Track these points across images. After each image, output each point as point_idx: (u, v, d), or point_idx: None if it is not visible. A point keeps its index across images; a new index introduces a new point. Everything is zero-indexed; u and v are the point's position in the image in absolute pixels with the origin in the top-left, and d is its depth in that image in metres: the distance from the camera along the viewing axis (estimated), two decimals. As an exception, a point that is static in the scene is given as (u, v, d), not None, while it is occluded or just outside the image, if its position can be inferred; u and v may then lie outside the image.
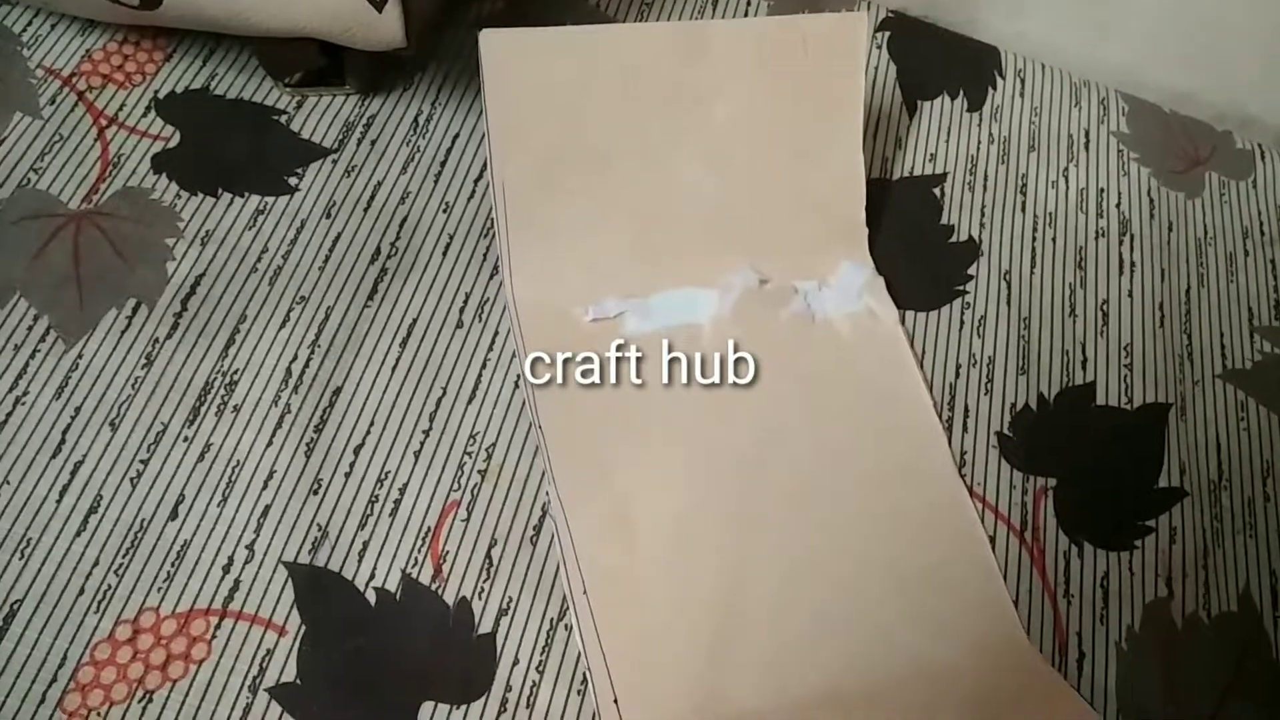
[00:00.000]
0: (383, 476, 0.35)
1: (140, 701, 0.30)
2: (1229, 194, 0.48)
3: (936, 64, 0.49)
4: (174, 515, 0.33)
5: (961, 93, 0.49)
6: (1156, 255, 0.45)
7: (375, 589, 0.33)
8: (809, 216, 0.42)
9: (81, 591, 0.32)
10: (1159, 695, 0.35)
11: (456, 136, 0.43)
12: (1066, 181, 0.47)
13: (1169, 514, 0.39)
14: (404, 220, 0.40)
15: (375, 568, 0.33)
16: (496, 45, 0.37)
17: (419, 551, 0.34)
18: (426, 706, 0.31)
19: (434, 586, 0.33)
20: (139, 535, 0.33)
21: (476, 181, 0.42)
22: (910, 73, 0.49)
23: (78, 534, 0.32)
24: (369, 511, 0.34)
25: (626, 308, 0.39)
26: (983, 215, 0.45)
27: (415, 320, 0.38)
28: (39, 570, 0.32)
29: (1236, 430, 0.42)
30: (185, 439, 0.35)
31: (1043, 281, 0.44)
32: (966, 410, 0.40)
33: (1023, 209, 0.45)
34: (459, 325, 0.38)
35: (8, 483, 0.33)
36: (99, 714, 0.30)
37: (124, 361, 0.35)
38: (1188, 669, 0.36)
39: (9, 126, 0.39)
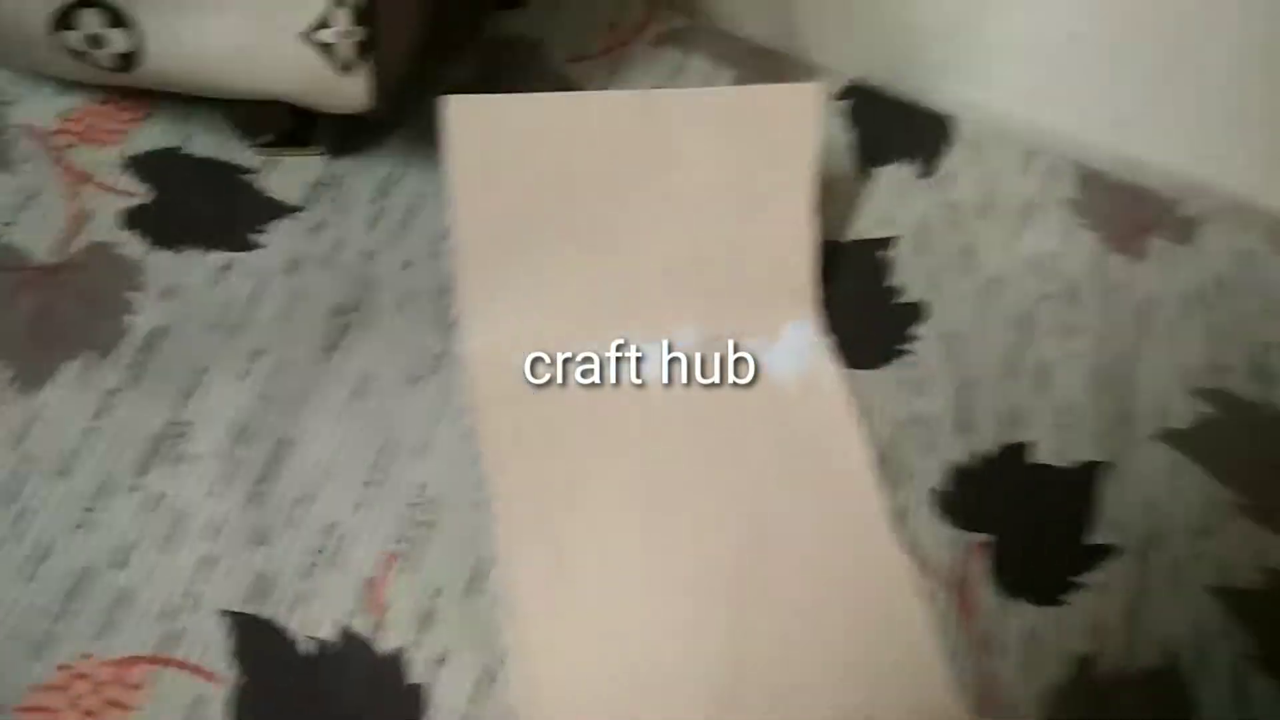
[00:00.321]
0: (327, 528, 0.36)
1: (75, 746, 0.31)
2: (1173, 260, 0.50)
3: (892, 131, 0.51)
4: (118, 563, 0.34)
5: (914, 159, 0.50)
6: (1099, 319, 0.47)
7: (312, 639, 0.34)
8: (759, 277, 0.43)
9: (22, 637, 0.32)
10: (1087, 752, 0.36)
11: (422, 196, 0.44)
12: (1014, 246, 0.48)
13: (1099, 570, 0.39)
14: (366, 277, 0.42)
15: (314, 617, 0.34)
16: (460, 112, 0.39)
17: (358, 602, 0.35)
18: (357, 755, 0.32)
19: (371, 636, 0.34)
20: (83, 582, 0.34)
21: (439, 241, 0.43)
22: (866, 139, 0.50)
23: (22, 580, 0.33)
24: (311, 562, 0.35)
25: (579, 361, 0.40)
26: (930, 278, 0.46)
27: (370, 374, 0.39)
28: (-17, 615, 0.33)
29: (1170, 489, 0.42)
30: (134, 489, 0.36)
31: (985, 342, 0.45)
32: (904, 468, 0.41)
33: (969, 272, 0.47)
34: (414, 380, 0.39)
35: (-40, 528, 0.34)
36: (35, 758, 0.31)
37: (79, 411, 0.37)
38: (1115, 725, 0.37)
39: (-16, 183, 0.41)
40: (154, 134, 0.44)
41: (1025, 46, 0.52)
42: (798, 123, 0.43)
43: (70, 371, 0.37)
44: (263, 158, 0.44)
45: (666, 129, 0.41)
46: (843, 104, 0.51)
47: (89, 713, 0.32)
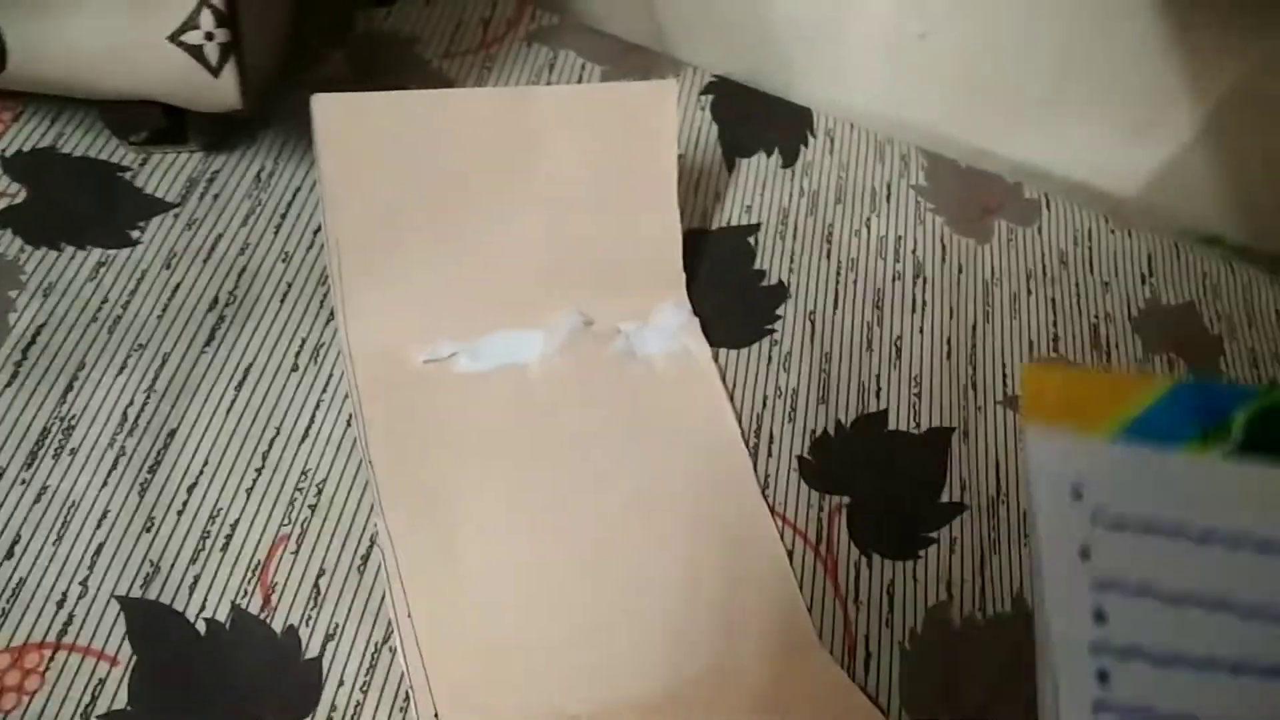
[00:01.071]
0: (215, 513, 0.37)
1: (-31, 734, 0.32)
2: (1016, 239, 0.54)
3: (755, 124, 0.54)
4: (9, 555, 0.35)
5: (776, 150, 0.53)
6: (947, 295, 0.51)
7: (205, 619, 0.35)
8: (631, 263, 0.46)
9: (-88, 631, 0.33)
10: (938, 691, 0.39)
11: (298, 190, 0.45)
12: (868, 230, 0.52)
13: (950, 526, 0.43)
14: (243, 270, 0.43)
15: (206, 599, 0.35)
16: (329, 109, 0.40)
17: (249, 583, 0.36)
18: (253, 727, 0.33)
19: (263, 616, 0.35)
20: (-28, 575, 0.34)
21: (315, 233, 0.44)
22: (730, 132, 0.53)
23: (-91, 576, 0.34)
24: (200, 547, 0.36)
25: (458, 349, 0.42)
26: (792, 261, 0.49)
27: (251, 365, 0.40)
28: None
29: (1014, 451, 0.46)
30: (23, 482, 0.36)
31: (843, 320, 0.48)
32: (771, 437, 0.44)
33: (828, 255, 0.50)
34: (294, 369, 0.41)
35: None
36: (-74, 748, 0.31)
37: (-40, 409, 0.37)
38: (964, 666, 0.40)
39: None
40: (26, 134, 0.44)
41: (879, 45, 0.55)
42: (657, 117, 0.45)
43: (-53, 370, 0.38)
44: (137, 155, 0.44)
45: (532, 124, 0.43)
46: (706, 99, 0.54)
47: (-17, 699, 0.32)
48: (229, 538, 0.36)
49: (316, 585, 0.36)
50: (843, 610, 0.40)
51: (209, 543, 0.36)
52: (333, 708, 0.34)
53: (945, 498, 0.44)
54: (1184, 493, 0.27)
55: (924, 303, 0.50)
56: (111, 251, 0.42)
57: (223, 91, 0.40)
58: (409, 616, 0.36)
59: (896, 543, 0.42)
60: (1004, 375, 0.49)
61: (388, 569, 0.36)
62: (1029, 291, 0.52)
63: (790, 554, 0.41)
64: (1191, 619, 0.26)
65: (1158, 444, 0.27)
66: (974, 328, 0.50)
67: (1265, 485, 0.27)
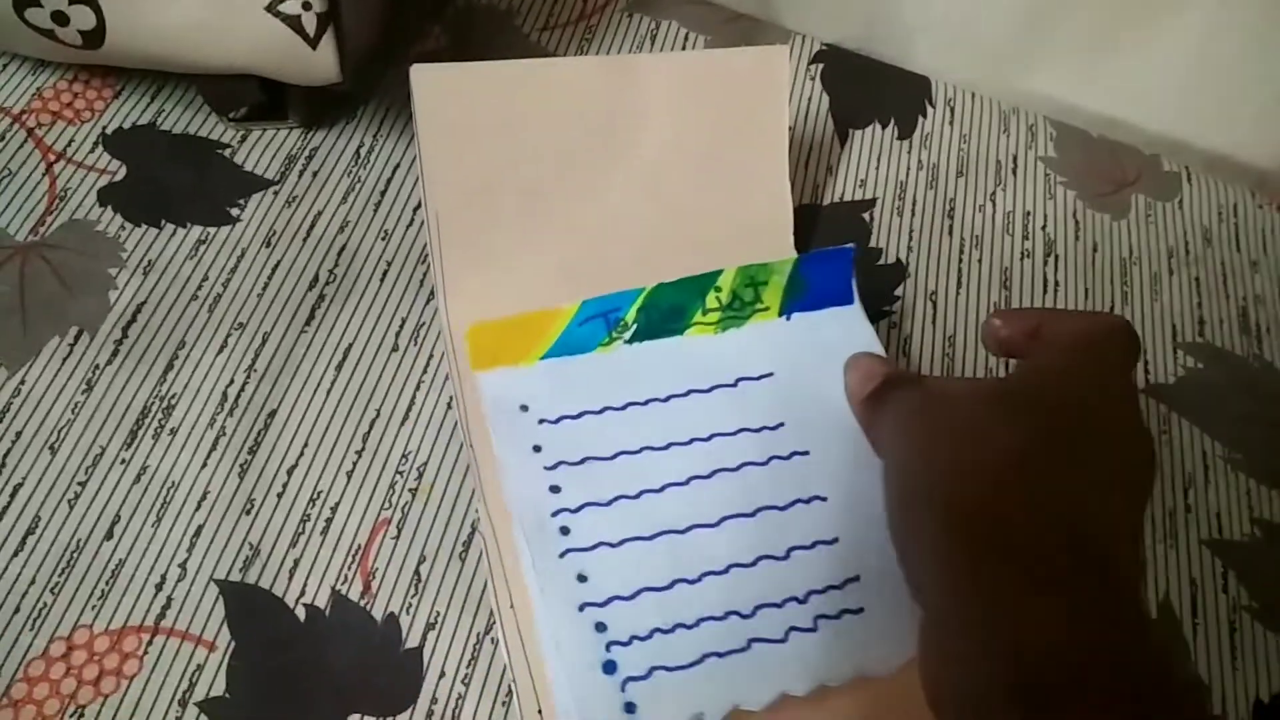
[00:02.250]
0: (315, 496, 0.36)
1: (72, 716, 0.31)
2: (1155, 215, 0.50)
3: (868, 94, 0.51)
4: (109, 535, 0.34)
5: (892, 121, 0.50)
6: (1081, 275, 0.47)
7: (305, 605, 0.34)
8: (737, 241, 0.43)
9: (17, 610, 0.32)
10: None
11: (397, 167, 0.44)
12: (994, 205, 0.48)
13: (1087, 524, 0.40)
14: (343, 248, 0.41)
15: (305, 585, 0.34)
16: (428, 80, 0.38)
17: (349, 569, 0.35)
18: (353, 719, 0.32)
19: (363, 603, 0.34)
20: (75, 555, 0.34)
21: (415, 210, 0.43)
22: (842, 102, 0.50)
23: (15, 554, 0.33)
24: (300, 530, 0.35)
25: None
26: (910, 238, 0.46)
27: (351, 344, 0.39)
28: (-25, 590, 0.33)
29: (1159, 443, 0.43)
30: (123, 461, 0.36)
31: (968, 301, 0.45)
32: (891, 426, 0.41)
33: (950, 232, 0.47)
34: (394, 349, 0.39)
35: (-53, 506, 0.34)
36: (30, 730, 0.31)
37: (65, 387, 0.36)
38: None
39: (-41, 162, 0.41)
40: (126, 111, 0.43)
41: (1002, 6, 0.52)
42: (767, 86, 0.43)
43: (54, 348, 0.37)
44: (236, 132, 0.44)
45: (635, 94, 0.41)
46: (816, 68, 0.51)
47: (89, 682, 0.32)
48: (329, 521, 0.35)
49: (417, 572, 0.35)
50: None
51: (309, 526, 0.35)
52: (433, 700, 0.33)
53: (1082, 493, 0.41)
54: (601, 380, 0.37)
55: (1056, 283, 0.46)
56: (211, 229, 0.41)
57: (320, 63, 0.39)
58: (511, 607, 0.34)
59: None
60: (1145, 361, 0.45)
61: (489, 558, 0.35)
62: (1170, 271, 0.48)
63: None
64: (625, 468, 0.35)
65: (579, 353, 0.38)
66: (1111, 310, 0.46)
67: (656, 354, 0.37)
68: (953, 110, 0.51)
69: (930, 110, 0.51)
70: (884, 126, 0.50)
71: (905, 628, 0.28)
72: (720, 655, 0.32)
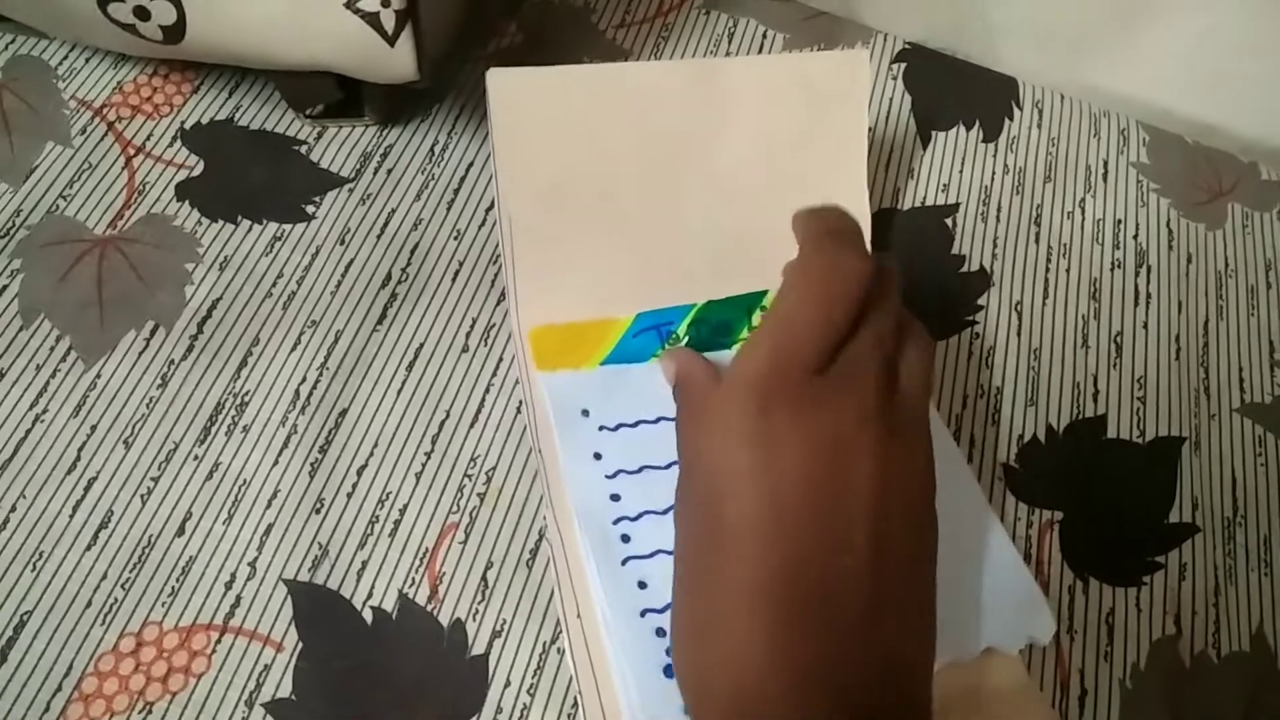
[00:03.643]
0: (384, 497, 0.35)
1: (140, 713, 0.31)
2: (1252, 226, 0.48)
3: (952, 95, 0.49)
4: (181, 532, 0.34)
5: (977, 123, 0.49)
6: (1174, 287, 0.45)
7: (372, 608, 0.33)
8: None
9: (89, 604, 0.33)
10: (1165, 735, 0.35)
11: (471, 165, 0.44)
12: (1083, 212, 0.46)
13: (1179, 550, 0.38)
14: (415, 247, 0.41)
15: (373, 587, 0.34)
16: (503, 84, 0.38)
17: (416, 572, 0.34)
18: (417, 726, 0.32)
19: (430, 607, 0.34)
20: (146, 551, 0.34)
21: (488, 210, 0.43)
22: (925, 103, 0.49)
23: (88, 548, 0.33)
24: (369, 531, 0.35)
25: None
26: (995, 246, 0.45)
27: (422, 345, 0.39)
28: (49, 583, 0.33)
29: (1254, 465, 0.41)
30: (195, 457, 0.36)
31: (1055, 313, 0.43)
32: (972, 441, 0.39)
33: (1036, 240, 0.45)
34: (465, 350, 0.39)
35: (24, 497, 0.34)
36: (100, 724, 0.31)
37: (140, 382, 0.37)
38: (1194, 709, 0.35)
39: (42, 155, 0.41)
40: (205, 106, 0.44)
41: (1092, 5, 0.50)
42: (848, 88, 0.41)
43: (130, 342, 0.37)
44: (313, 128, 0.43)
45: (712, 98, 0.40)
46: (898, 67, 0.50)
47: (158, 679, 0.32)
48: (397, 523, 0.35)
49: (484, 578, 0.34)
50: (1055, 641, 0.36)
51: (377, 528, 0.35)
52: (498, 710, 0.32)
53: (1174, 517, 0.39)
54: (656, 389, 0.36)
55: (1148, 295, 0.44)
56: (287, 226, 0.41)
57: (398, 61, 0.39)
58: (578, 617, 0.33)
59: (1117, 567, 0.37)
60: (1240, 379, 0.43)
61: (556, 566, 0.34)
62: (1269, 285, 0.46)
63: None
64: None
65: (634, 362, 0.38)
66: (1205, 324, 0.44)
67: None
68: (1041, 112, 0.49)
69: (1017, 112, 0.49)
70: (968, 129, 0.48)
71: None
72: None
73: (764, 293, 0.39)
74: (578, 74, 0.40)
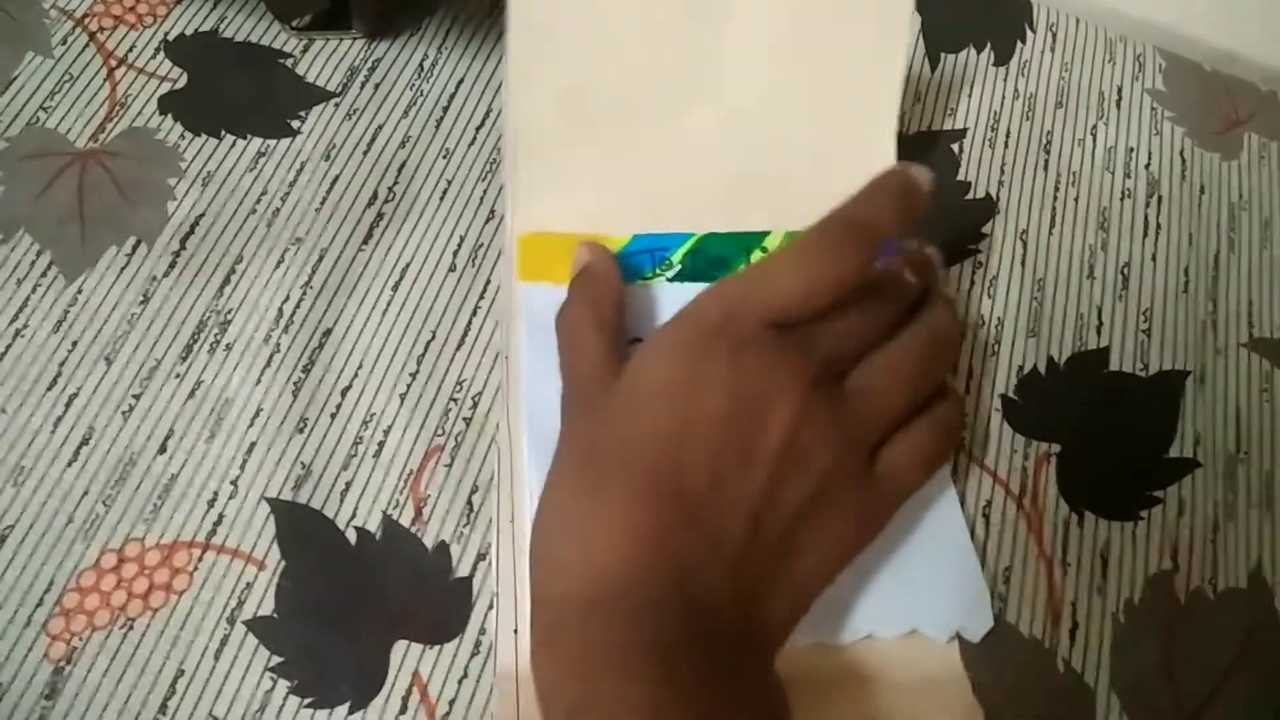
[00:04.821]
0: (368, 418, 0.35)
1: (121, 628, 0.31)
2: (1269, 156, 0.46)
3: (963, 16, 0.48)
4: (163, 449, 0.34)
5: (988, 46, 0.47)
6: (1186, 218, 0.44)
7: (355, 528, 0.33)
8: (835, 165, 0.40)
9: (70, 520, 0.32)
10: (1156, 669, 0.34)
11: (461, 82, 0.42)
12: (1094, 140, 0.45)
13: (1179, 485, 0.37)
14: (403, 165, 0.40)
15: (356, 508, 0.33)
16: None
17: (400, 494, 0.34)
18: (400, 645, 0.31)
19: (414, 529, 0.33)
20: (128, 468, 0.33)
21: (478, 129, 0.41)
22: (934, 24, 0.47)
23: (69, 464, 0.33)
24: (353, 452, 0.34)
25: None
26: (1002, 173, 0.43)
27: (409, 264, 0.38)
28: (30, 498, 0.33)
29: (1259, 401, 0.40)
30: (177, 375, 0.35)
31: (1061, 242, 0.42)
32: (971, 372, 0.39)
33: (1045, 167, 0.44)
34: (452, 269, 0.38)
35: (4, 412, 0.34)
36: (81, 638, 0.31)
37: (122, 298, 0.36)
38: (1189, 645, 0.35)
39: (21, 65, 0.40)
40: (188, 17, 0.42)
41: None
42: (888, 11, 0.39)
43: (111, 258, 0.37)
44: (299, 41, 0.42)
45: (737, 10, 0.38)
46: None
47: (139, 595, 0.31)
48: (381, 445, 0.35)
49: (469, 502, 0.34)
50: (1047, 572, 0.35)
51: (361, 449, 0.34)
52: (481, 631, 0.32)
53: (1175, 452, 0.38)
54: (636, 311, 0.36)
55: (1158, 226, 0.43)
56: (271, 141, 0.40)
57: (387, -32, 0.37)
58: (511, 522, 0.33)
59: (1114, 501, 0.37)
60: (1249, 314, 0.42)
61: (499, 472, 0.34)
62: (1283, 217, 0.45)
63: (989, 505, 0.36)
64: None
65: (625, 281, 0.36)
66: (1216, 257, 0.43)
67: (693, 295, 0.32)
68: (1054, 36, 0.48)
69: (1030, 35, 0.47)
70: (979, 51, 0.47)
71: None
72: None
73: (766, 234, 0.38)
74: None
